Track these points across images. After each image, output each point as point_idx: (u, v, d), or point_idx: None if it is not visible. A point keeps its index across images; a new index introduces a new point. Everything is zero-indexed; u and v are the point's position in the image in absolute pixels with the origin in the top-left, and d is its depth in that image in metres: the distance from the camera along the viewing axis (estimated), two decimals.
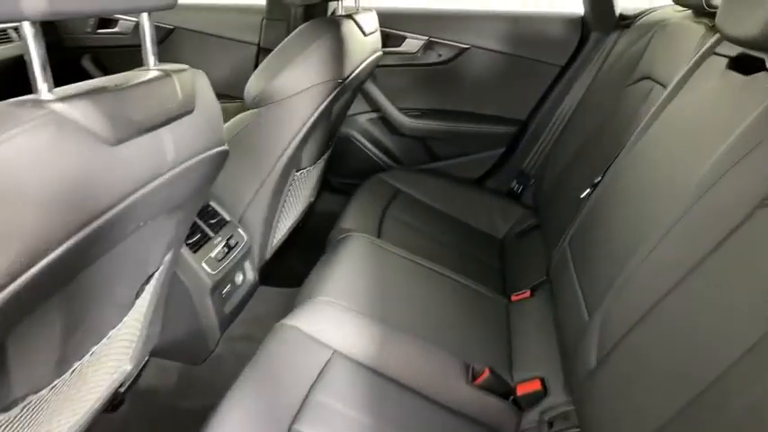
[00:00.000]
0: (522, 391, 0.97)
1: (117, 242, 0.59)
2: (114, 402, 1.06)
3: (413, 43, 1.66)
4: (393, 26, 1.65)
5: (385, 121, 1.74)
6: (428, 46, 1.66)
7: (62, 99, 0.45)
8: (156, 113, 0.54)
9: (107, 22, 1.85)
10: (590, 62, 1.60)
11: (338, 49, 1.13)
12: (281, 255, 1.34)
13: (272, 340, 0.89)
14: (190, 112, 0.60)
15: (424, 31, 1.66)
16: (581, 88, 1.60)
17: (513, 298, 1.24)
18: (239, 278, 1.13)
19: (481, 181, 1.78)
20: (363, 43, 1.27)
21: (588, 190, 1.13)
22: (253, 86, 1.08)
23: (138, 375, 1.10)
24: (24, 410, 0.62)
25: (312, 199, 1.57)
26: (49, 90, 0.45)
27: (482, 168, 1.76)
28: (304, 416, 0.78)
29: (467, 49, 1.65)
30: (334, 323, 0.95)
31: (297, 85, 1.07)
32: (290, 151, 1.12)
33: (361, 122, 1.75)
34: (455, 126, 1.72)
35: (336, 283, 1.04)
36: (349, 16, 1.25)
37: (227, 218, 1.11)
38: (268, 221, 1.18)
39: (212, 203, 1.10)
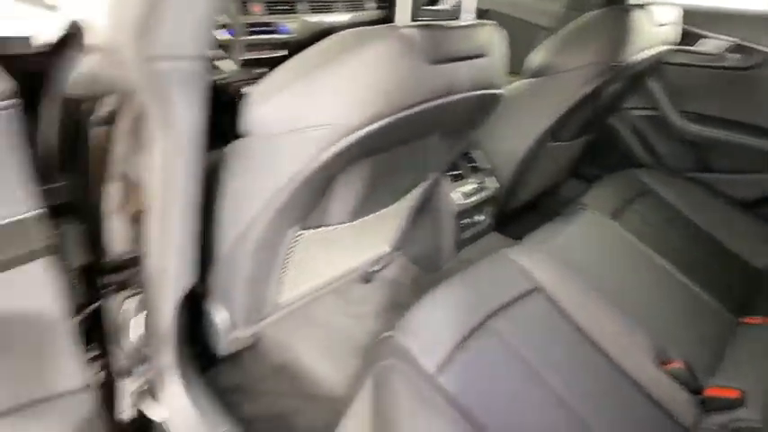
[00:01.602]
0: (713, 393, 0.96)
1: (411, 138, 0.88)
2: (366, 278, 1.45)
3: (712, 44, 1.59)
4: (692, 23, 1.61)
5: (658, 120, 1.71)
6: (731, 49, 1.56)
7: (409, 27, 0.74)
8: (463, 49, 0.80)
9: None
10: None
11: (619, 34, 1.22)
12: (518, 215, 1.53)
13: (490, 261, 1.09)
14: (484, 55, 0.84)
15: (732, 33, 1.56)
16: None
17: (745, 320, 1.17)
18: (479, 217, 1.37)
19: (754, 205, 1.61)
20: (652, 33, 1.32)
21: None
22: (535, 58, 1.28)
23: (385, 267, 1.46)
24: (327, 233, 0.99)
25: (559, 178, 1.70)
26: (403, 22, 0.74)
27: (758, 191, 1.60)
28: (499, 317, 0.94)
29: None
30: (546, 266, 1.09)
31: (572, 61, 1.22)
32: (552, 122, 1.29)
33: (631, 117, 1.76)
34: (739, 139, 1.59)
35: (561, 240, 1.18)
36: (642, 6, 1.31)
37: (484, 166, 1.36)
38: (516, 179, 1.38)
39: (475, 153, 1.36)
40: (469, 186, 1.30)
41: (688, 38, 1.61)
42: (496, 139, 1.35)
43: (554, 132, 1.36)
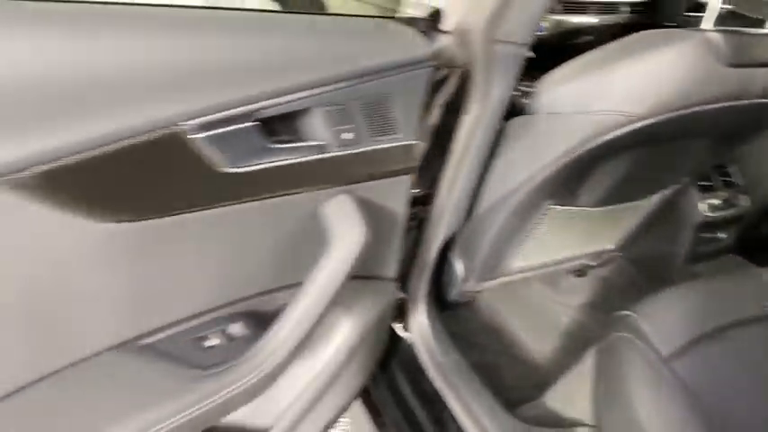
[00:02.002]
0: None
1: (684, 136, 0.92)
2: (580, 272, 1.51)
3: None
4: None
5: None
6: None
7: (713, 30, 0.78)
8: (762, 56, 0.82)
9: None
10: None
11: None
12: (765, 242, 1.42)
13: (735, 275, 1.07)
14: None
15: None
16: None
17: None
18: (721, 235, 1.32)
19: None
20: None
21: None
22: None
23: (603, 265, 1.50)
24: (570, 213, 1.08)
25: None
26: (705, 29, 0.79)
27: None
28: (718, 339, 0.90)
29: None
30: None
31: None
32: None
33: None
34: None
35: None
36: None
37: (739, 182, 1.30)
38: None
39: (731, 167, 1.31)
40: (718, 200, 1.26)
41: None
42: (761, 156, 1.27)
43: None
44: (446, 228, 0.99)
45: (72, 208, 0.43)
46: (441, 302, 1.28)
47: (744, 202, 1.30)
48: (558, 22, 1.92)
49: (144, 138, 0.43)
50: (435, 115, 0.88)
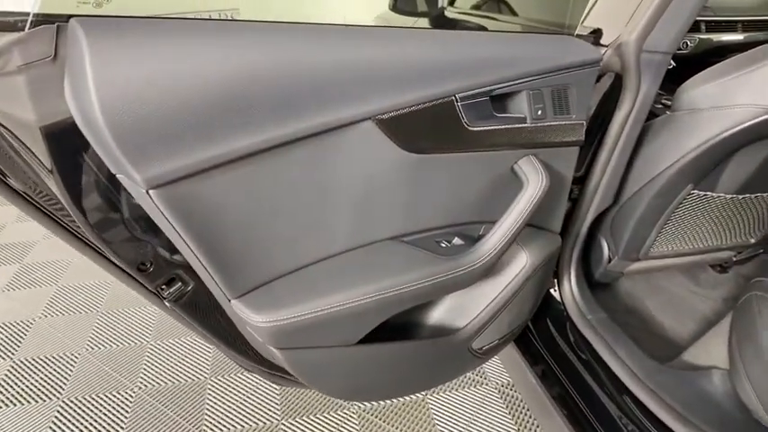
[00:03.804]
0: None
1: None
2: (722, 268, 1.61)
3: None
4: None
5: None
6: None
7: None
8: None
9: None
10: None
11: None
12: None
13: None
14: None
15: None
16: None
17: None
18: None
19: None
20: None
21: None
22: None
23: (744, 261, 1.59)
24: (710, 200, 1.25)
25: None
26: None
27: None
28: None
29: None
30: None
31: None
32: None
33: None
34: None
35: None
36: None
37: None
38: None
39: None
40: None
41: None
42: None
43: None
44: (596, 207, 1.22)
45: (397, 140, 0.77)
46: (588, 281, 1.49)
47: None
48: (702, 41, 2.06)
49: (434, 102, 0.77)
50: (594, 110, 1.14)
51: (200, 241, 0.69)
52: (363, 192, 0.81)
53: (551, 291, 1.35)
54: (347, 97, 0.70)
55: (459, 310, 1.08)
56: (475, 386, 1.65)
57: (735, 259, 1.56)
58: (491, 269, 0.92)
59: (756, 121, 1.01)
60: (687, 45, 1.99)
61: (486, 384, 1.65)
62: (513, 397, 1.62)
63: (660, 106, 1.41)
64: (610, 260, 1.39)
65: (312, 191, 0.76)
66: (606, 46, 1.07)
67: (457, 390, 1.64)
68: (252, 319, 0.75)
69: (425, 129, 0.79)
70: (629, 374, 1.11)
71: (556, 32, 0.98)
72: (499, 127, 0.85)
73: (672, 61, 1.62)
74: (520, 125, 0.87)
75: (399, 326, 1.06)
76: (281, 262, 0.78)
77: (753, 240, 1.47)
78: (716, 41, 2.06)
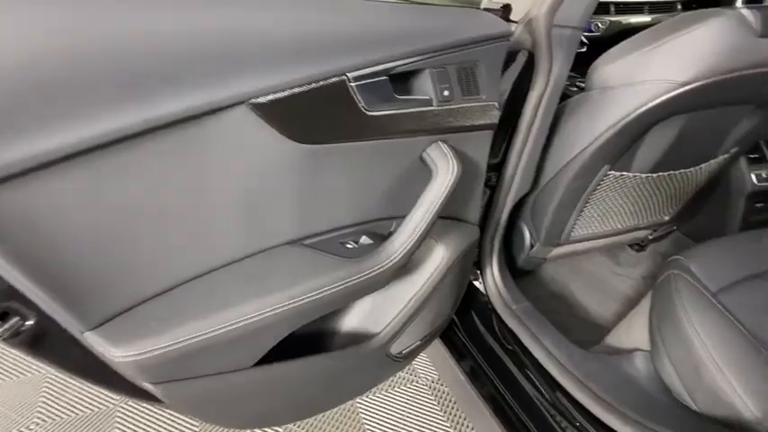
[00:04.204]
0: None
1: (727, 102, 1.06)
2: (639, 246, 1.63)
3: None
4: None
5: None
6: None
7: (743, 8, 0.94)
8: None
9: None
10: None
11: None
12: None
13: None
14: None
15: None
16: None
17: None
18: None
19: None
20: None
21: None
22: None
23: (660, 239, 1.61)
24: (625, 180, 1.23)
25: None
26: (739, 6, 0.95)
27: None
28: (755, 282, 1.01)
29: None
30: None
31: None
32: None
33: None
34: None
35: None
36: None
37: None
38: None
39: None
40: (766, 171, 1.37)
41: None
42: None
43: None
44: (515, 193, 1.17)
45: (281, 129, 0.65)
46: (511, 270, 1.45)
47: None
48: (613, 23, 2.09)
49: (322, 82, 0.66)
50: (508, 93, 1.07)
51: (28, 264, 0.55)
52: (245, 191, 0.68)
53: (475, 282, 1.29)
54: (211, 76, 0.58)
55: (372, 315, 0.99)
56: (405, 385, 1.58)
57: (651, 237, 1.59)
58: (403, 268, 0.83)
59: (668, 96, 0.99)
60: (599, 27, 2.00)
61: (417, 382, 1.59)
62: (444, 392, 1.57)
63: (575, 89, 1.38)
64: (532, 247, 1.36)
65: (179, 193, 0.62)
66: (516, 22, 1.00)
67: (386, 390, 1.56)
68: (111, 353, 0.62)
69: (315, 114, 0.68)
70: (556, 364, 1.07)
71: (462, 6, 0.90)
72: (402, 111, 0.76)
73: (585, 44, 1.61)
74: (425, 108, 0.78)
75: (306, 338, 0.95)
76: (145, 282, 0.65)
77: (667, 218, 1.49)
78: (625, 23, 2.10)
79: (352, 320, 0.99)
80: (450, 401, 1.54)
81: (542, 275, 1.56)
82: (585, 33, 1.49)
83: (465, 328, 1.30)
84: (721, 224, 1.47)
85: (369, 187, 0.81)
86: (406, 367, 1.65)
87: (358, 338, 0.96)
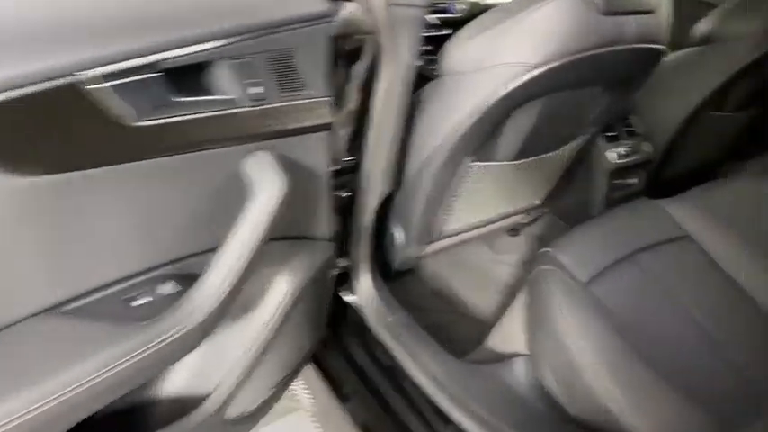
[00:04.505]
0: None
1: (579, 84, 1.02)
2: (514, 231, 1.60)
3: None
4: None
5: None
6: None
7: None
8: (633, 3, 0.92)
9: None
10: None
11: None
12: (671, 183, 1.56)
13: (638, 205, 1.17)
14: (651, 12, 0.95)
15: None
16: None
17: None
18: (631, 180, 1.45)
19: None
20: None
21: None
22: (702, 27, 1.33)
23: (533, 222, 1.60)
24: (491, 169, 1.16)
25: (719, 154, 1.68)
26: None
27: None
28: (629, 262, 1.00)
29: None
30: (698, 218, 1.14)
31: (742, 28, 1.25)
32: (713, 90, 1.33)
33: None
34: None
35: (716, 196, 1.21)
36: None
37: (640, 131, 1.43)
38: (671, 147, 1.43)
39: (632, 118, 1.44)
40: (623, 148, 1.38)
41: None
42: (655, 105, 1.41)
43: (717, 102, 1.39)
44: (376, 194, 1.04)
45: None
46: (385, 271, 1.33)
47: (647, 148, 1.43)
48: (475, 5, 2.06)
49: (38, 88, 0.46)
50: (355, 86, 0.94)
51: None
52: None
53: (348, 297, 1.16)
54: None
55: (201, 374, 0.80)
56: (285, 415, 1.41)
57: (524, 222, 1.56)
58: (221, 317, 0.65)
59: (522, 80, 0.91)
60: (463, 10, 1.92)
61: (300, 410, 1.43)
62: (328, 422, 1.43)
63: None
64: (405, 248, 1.25)
65: None
66: (354, 0, 0.87)
67: (266, 425, 1.39)
68: None
69: (42, 132, 0.48)
70: (432, 381, 0.97)
71: None
72: (190, 117, 0.58)
73: (445, 28, 1.49)
74: (228, 111, 0.61)
75: (116, 416, 0.74)
76: None
77: (538, 202, 1.47)
78: (490, 3, 2.08)
79: (174, 384, 0.79)
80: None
81: (423, 272, 1.48)
82: (446, 15, 1.39)
83: (338, 349, 1.17)
84: (587, 202, 1.47)
85: (163, 219, 0.62)
86: (288, 393, 1.49)
87: (184, 407, 0.77)
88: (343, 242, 1.10)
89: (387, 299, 1.14)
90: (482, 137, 1.05)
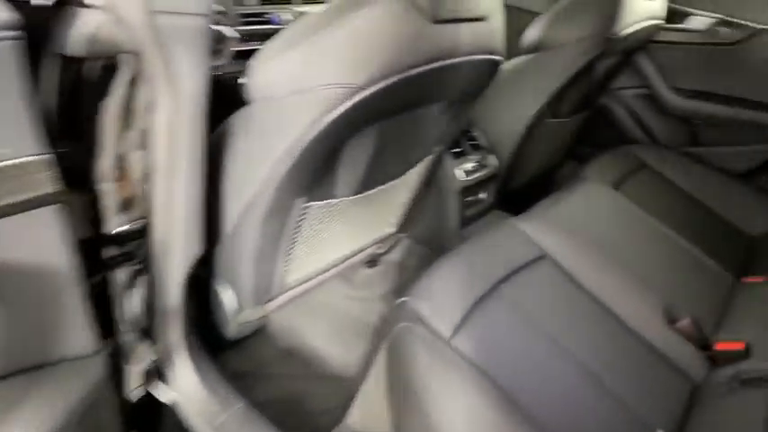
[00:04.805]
0: (721, 347, 0.97)
1: (416, 104, 0.88)
2: (371, 262, 1.44)
3: (699, 21, 1.62)
4: (678, 2, 1.64)
5: (651, 98, 1.74)
6: (718, 24, 1.60)
7: None
8: (465, 9, 0.80)
9: None
10: None
11: (611, 7, 1.24)
12: (519, 192, 1.53)
13: (495, 230, 1.09)
14: (486, 19, 0.84)
15: (716, 9, 1.60)
16: None
17: (746, 279, 1.19)
18: (482, 195, 1.38)
19: (747, 176, 1.64)
20: (641, 7, 1.34)
21: None
22: (531, 34, 1.29)
23: (392, 249, 1.45)
24: (333, 208, 0.98)
25: (557, 158, 1.71)
26: None
27: (751, 162, 1.63)
28: (509, 283, 0.96)
29: (762, 30, 1.53)
30: (552, 234, 1.10)
31: (567, 35, 1.24)
32: (549, 97, 1.30)
33: (624, 96, 1.79)
34: (729, 113, 1.62)
35: (565, 210, 1.19)
36: None
37: (484, 144, 1.36)
38: (515, 156, 1.39)
39: (475, 131, 1.37)
40: (471, 164, 1.30)
41: (675, 16, 1.64)
42: (495, 116, 1.36)
43: (552, 108, 1.37)
44: (182, 260, 0.79)
45: None
46: (220, 343, 1.07)
47: (492, 161, 1.37)
48: (299, 14, 1.87)
49: None
50: (113, 121, 0.68)
51: None
52: None
53: (161, 395, 0.88)
54: None
55: None
56: None
57: (380, 252, 1.41)
58: None
59: (348, 105, 0.73)
60: (289, 21, 1.72)
61: None
62: None
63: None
64: (237, 313, 1.01)
65: None
66: (99, 7, 0.62)
67: None
68: None
69: None
70: None
71: None
72: None
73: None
74: None
75: None
76: None
77: (391, 230, 1.33)
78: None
79: None
80: None
81: (269, 330, 1.24)
82: (268, 27, 1.17)
83: None
84: (442, 224, 1.37)
85: None
86: None
87: None
88: (147, 328, 0.83)
89: (218, 389, 0.88)
90: (312, 174, 0.85)
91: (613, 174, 1.44)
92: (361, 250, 1.26)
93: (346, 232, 1.14)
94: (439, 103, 0.97)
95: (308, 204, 0.92)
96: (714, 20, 1.60)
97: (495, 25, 0.89)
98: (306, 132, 0.74)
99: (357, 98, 0.72)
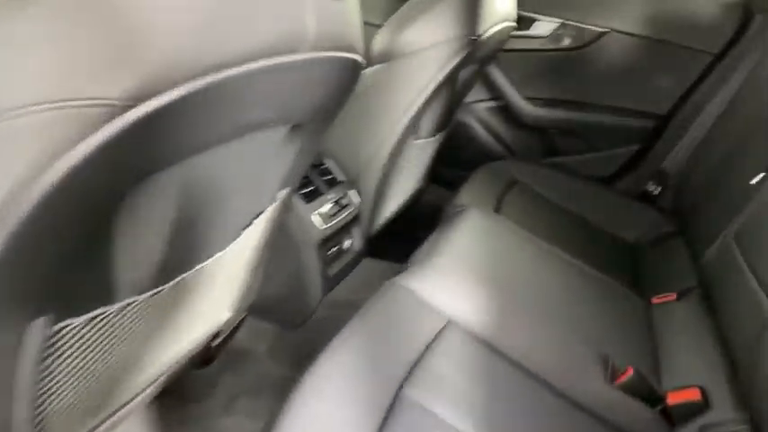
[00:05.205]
0: (674, 399, 0.79)
1: (238, 132, 0.53)
2: (206, 357, 1.02)
3: (543, 26, 1.55)
4: (522, 7, 1.55)
5: (505, 109, 1.62)
6: (560, 29, 1.54)
7: None
8: None
9: None
10: (752, 50, 1.39)
11: (469, 7, 1.05)
12: (388, 232, 1.26)
13: (381, 299, 0.79)
14: None
15: (557, 13, 1.54)
16: (739, 79, 1.39)
17: (655, 300, 1.07)
18: (347, 243, 1.06)
19: (609, 181, 1.60)
20: (496, 7, 1.18)
21: (762, 175, 0.96)
22: (379, 41, 1.03)
23: (232, 334, 1.05)
24: (122, 314, 0.57)
25: (422, 184, 1.49)
26: None
27: (611, 167, 1.59)
28: (414, 381, 0.67)
29: (605, 33, 1.50)
30: (449, 289, 0.84)
31: (427, 38, 1.00)
32: (411, 113, 1.05)
33: (478, 110, 1.65)
34: (584, 118, 1.56)
35: (452, 251, 0.94)
36: None
37: (341, 178, 1.05)
38: (380, 189, 1.11)
39: (327, 162, 1.05)
40: (329, 205, 0.98)
41: (522, 23, 1.55)
42: (351, 141, 1.06)
43: (414, 126, 1.13)
44: None
45: None
46: None
47: (354, 198, 1.07)
48: None
49: None
50: None
51: None
52: None
53: None
54: None
55: None
56: None
57: (217, 343, 1.00)
58: None
59: (110, 132, 0.36)
60: None
61: None
62: None
63: None
64: None
65: None
66: None
67: None
68: None
69: None
70: None
71: None
72: None
73: None
74: None
75: None
76: None
77: (230, 314, 0.93)
78: None
79: None
80: None
81: None
82: None
83: None
84: (301, 297, 1.01)
85: None
86: None
87: None
88: None
89: None
90: (50, 269, 0.44)
91: (489, 196, 1.26)
92: (185, 355, 0.85)
93: (155, 342, 0.72)
94: (281, 128, 0.64)
95: (59, 327, 0.50)
96: (556, 24, 1.54)
97: (351, 8, 0.59)
98: (18, 190, 0.35)
99: (127, 119, 0.35)
